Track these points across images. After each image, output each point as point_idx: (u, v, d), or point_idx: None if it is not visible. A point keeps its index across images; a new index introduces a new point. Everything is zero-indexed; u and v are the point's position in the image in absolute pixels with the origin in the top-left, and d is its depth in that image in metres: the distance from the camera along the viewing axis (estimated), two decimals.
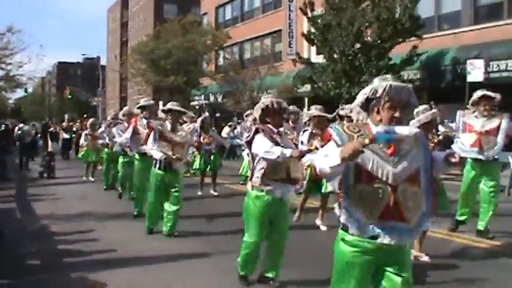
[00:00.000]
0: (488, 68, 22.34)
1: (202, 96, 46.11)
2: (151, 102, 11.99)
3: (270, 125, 6.57)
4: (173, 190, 9.62)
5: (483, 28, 24.71)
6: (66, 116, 32.69)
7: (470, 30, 25.38)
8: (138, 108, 11.73)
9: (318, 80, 25.99)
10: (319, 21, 25.43)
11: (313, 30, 26.07)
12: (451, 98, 20.42)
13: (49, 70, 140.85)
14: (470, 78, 21.21)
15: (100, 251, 8.50)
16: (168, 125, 9.69)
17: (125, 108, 14.59)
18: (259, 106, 6.60)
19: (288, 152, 6.13)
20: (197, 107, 40.82)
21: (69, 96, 78.23)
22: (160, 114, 10.86)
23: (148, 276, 7.32)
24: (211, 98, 45.10)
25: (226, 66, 41.81)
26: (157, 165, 9.58)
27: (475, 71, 21.29)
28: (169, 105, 9.85)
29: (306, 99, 31.64)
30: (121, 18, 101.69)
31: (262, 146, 6.29)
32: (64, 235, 9.85)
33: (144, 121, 11.13)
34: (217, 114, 41.44)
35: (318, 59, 27.73)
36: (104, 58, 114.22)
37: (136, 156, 11.68)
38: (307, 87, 28.01)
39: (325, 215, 10.35)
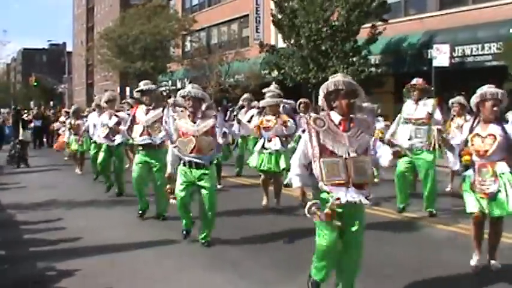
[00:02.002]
0: (453, 52, 22.59)
1: (170, 81, 45.92)
2: (153, 86, 10.34)
3: (334, 113, 5.45)
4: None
5: (449, 13, 24.91)
6: (32, 103, 32.25)
7: (436, 15, 25.58)
8: (138, 92, 10.08)
9: (285, 66, 26.04)
10: (286, 5, 25.49)
11: (279, 16, 26.10)
12: None
13: (14, 57, 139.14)
14: (436, 63, 21.46)
15: (67, 240, 8.41)
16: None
17: (108, 93, 13.15)
18: (325, 88, 5.42)
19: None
20: (164, 93, 40.71)
21: (35, 83, 77.22)
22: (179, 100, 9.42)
23: (116, 264, 7.28)
24: (178, 84, 44.90)
25: (193, 51, 41.63)
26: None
27: (441, 56, 21.53)
28: (189, 88, 8.12)
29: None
30: (87, 3, 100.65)
31: (297, 152, 5.60)
32: (30, 224, 9.73)
33: (144, 108, 9.89)
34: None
35: (285, 43, 27.70)
36: (69, 44, 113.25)
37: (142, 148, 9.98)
38: (275, 73, 28.06)
39: None
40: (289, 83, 24.77)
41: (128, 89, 48.49)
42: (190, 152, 7.80)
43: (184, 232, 8.30)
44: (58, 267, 7.07)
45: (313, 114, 5.55)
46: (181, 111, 8.24)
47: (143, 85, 9.91)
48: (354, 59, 24.30)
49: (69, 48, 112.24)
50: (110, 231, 9.10)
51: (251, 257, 7.27)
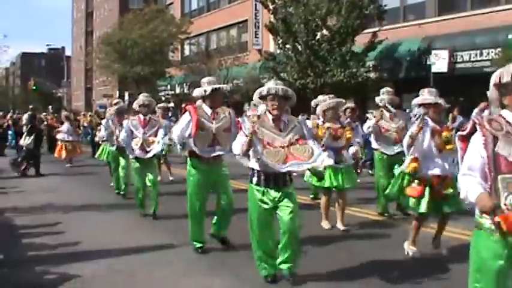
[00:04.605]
0: (452, 58, 22.63)
1: (168, 86, 45.92)
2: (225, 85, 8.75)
3: (508, 112, 3.98)
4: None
5: (447, 19, 24.95)
6: (30, 108, 32.20)
7: (435, 21, 25.61)
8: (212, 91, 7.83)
9: (283, 71, 26.11)
10: (283, 11, 25.52)
11: (275, 21, 26.15)
12: (416, 88, 20.61)
13: (13, 61, 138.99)
14: (434, 69, 21.52)
15: (64, 244, 8.42)
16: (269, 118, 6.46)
17: (143, 98, 10.95)
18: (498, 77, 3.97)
19: None
20: (163, 98, 40.75)
21: (34, 88, 77.22)
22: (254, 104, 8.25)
23: (114, 268, 7.28)
24: (177, 89, 44.90)
25: (192, 56, 41.61)
26: (255, 179, 6.46)
27: (440, 62, 21.59)
28: (271, 85, 6.50)
29: None
30: (86, 8, 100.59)
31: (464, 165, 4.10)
32: (28, 228, 9.74)
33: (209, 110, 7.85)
34: (183, 105, 41.26)
35: (280, 50, 27.68)
36: (68, 49, 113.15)
37: (191, 162, 8.03)
38: (274, 78, 28.07)
39: None
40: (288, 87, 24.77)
41: (126, 93, 48.48)
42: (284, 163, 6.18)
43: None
44: (57, 272, 7.07)
45: (486, 114, 4.56)
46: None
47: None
48: (352, 63, 24.35)
49: (68, 53, 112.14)
50: (108, 236, 9.10)
51: (251, 263, 7.24)
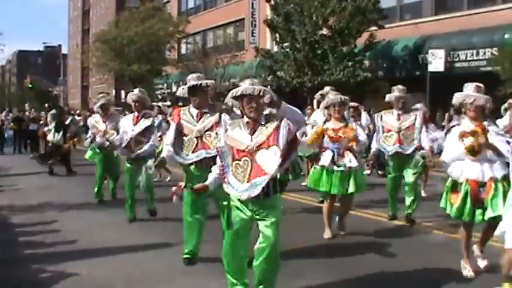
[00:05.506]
0: (448, 57, 22.66)
1: (165, 84, 45.89)
2: (211, 81, 7.92)
3: None
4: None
5: (444, 18, 24.98)
6: (26, 106, 32.12)
7: (431, 20, 25.64)
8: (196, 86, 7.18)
9: (279, 69, 26.10)
10: (284, 9, 25.52)
11: (275, 18, 26.14)
12: (413, 88, 20.64)
13: (9, 59, 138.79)
14: (431, 68, 21.58)
15: (61, 242, 8.42)
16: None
17: (136, 91, 10.36)
18: None
19: None
20: (160, 96, 40.73)
21: (30, 86, 77.04)
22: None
23: (110, 267, 7.28)
24: (174, 87, 44.91)
25: (189, 54, 41.59)
26: None
27: (436, 61, 21.65)
28: (246, 84, 5.48)
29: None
30: (83, 6, 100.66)
31: None
32: (24, 226, 9.73)
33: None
34: (180, 103, 41.32)
35: (278, 47, 27.68)
36: (65, 47, 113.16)
37: (193, 167, 7.23)
38: (271, 77, 28.06)
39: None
40: (284, 88, 24.78)
41: (123, 92, 48.48)
42: (248, 181, 5.40)
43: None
44: (53, 270, 7.07)
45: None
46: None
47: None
48: (350, 63, 24.37)
49: (64, 51, 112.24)
50: (104, 234, 9.09)
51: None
